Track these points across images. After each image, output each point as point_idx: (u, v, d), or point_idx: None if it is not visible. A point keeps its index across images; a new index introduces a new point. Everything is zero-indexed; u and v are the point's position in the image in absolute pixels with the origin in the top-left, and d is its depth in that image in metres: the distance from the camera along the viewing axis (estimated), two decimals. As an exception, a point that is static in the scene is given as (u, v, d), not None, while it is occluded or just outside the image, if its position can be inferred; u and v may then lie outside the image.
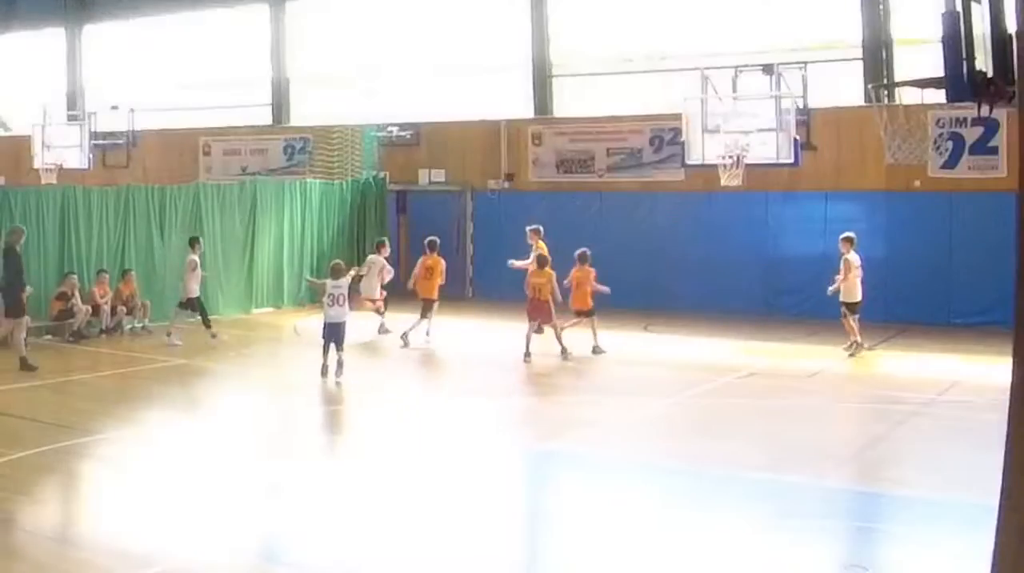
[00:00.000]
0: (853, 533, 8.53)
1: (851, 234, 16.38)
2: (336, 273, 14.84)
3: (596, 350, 16.24)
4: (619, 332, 18.08)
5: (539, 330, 16.37)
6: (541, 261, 16.42)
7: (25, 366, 14.38)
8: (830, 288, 16.31)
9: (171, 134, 27.51)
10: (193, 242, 17.94)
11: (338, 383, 14.15)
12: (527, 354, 15.70)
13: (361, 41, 25.28)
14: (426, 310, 17.41)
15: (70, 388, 13.95)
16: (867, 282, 19.20)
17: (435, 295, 17.58)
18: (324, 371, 14.31)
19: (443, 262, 17.95)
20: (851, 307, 16.31)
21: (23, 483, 9.36)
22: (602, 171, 22.25)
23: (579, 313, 16.48)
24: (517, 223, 19.87)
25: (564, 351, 15.88)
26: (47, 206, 17.92)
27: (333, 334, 14.43)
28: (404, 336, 17.03)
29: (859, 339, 16.24)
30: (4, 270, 15.09)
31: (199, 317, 17.43)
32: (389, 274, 18.10)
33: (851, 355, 16.12)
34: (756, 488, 9.39)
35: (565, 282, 16.39)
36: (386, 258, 18.20)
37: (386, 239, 19.38)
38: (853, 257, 16.28)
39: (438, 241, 18.14)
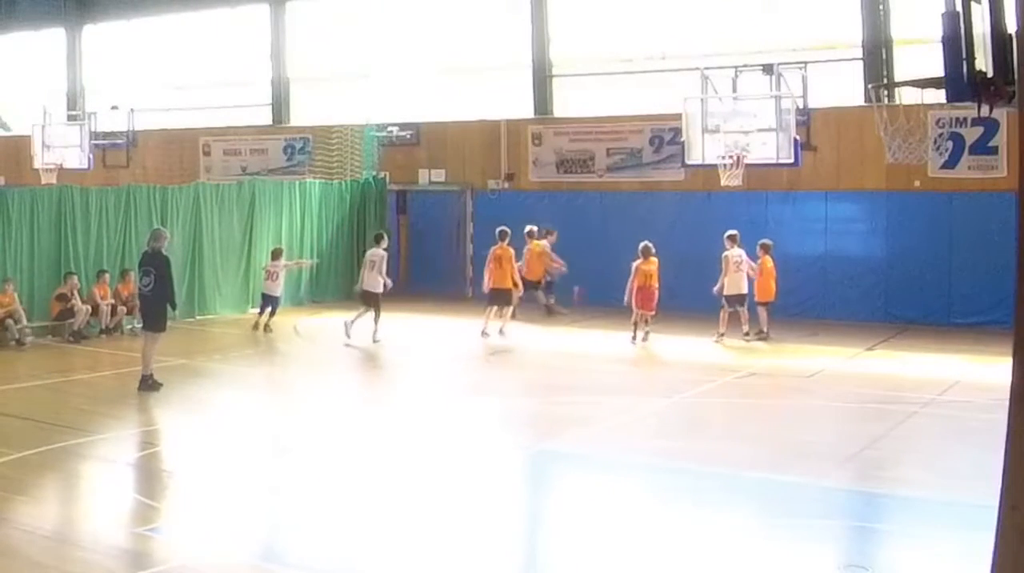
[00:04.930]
0: (853, 533, 8.52)
1: (733, 231, 17.53)
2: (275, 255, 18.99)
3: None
4: (619, 332, 18.08)
5: (645, 320, 17.38)
6: (647, 250, 17.28)
7: (147, 384, 13.18)
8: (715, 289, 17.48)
9: (171, 134, 27.51)
10: (379, 238, 17.84)
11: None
12: (634, 338, 17.22)
13: (361, 41, 25.26)
14: (499, 300, 17.94)
15: (70, 388, 13.95)
16: (867, 282, 19.35)
17: (509, 285, 18.01)
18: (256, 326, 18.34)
19: (511, 250, 18.46)
20: (731, 300, 17.35)
21: (23, 483, 9.36)
22: (602, 171, 22.25)
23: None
24: (517, 223, 19.86)
25: (635, 338, 17.25)
26: (43, 206, 17.90)
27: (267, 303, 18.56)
28: (496, 332, 17.84)
29: (723, 329, 17.31)
30: (153, 279, 13.23)
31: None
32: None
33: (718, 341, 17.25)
34: (756, 488, 9.39)
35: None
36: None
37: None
38: (734, 253, 17.39)
39: (509, 231, 18.54)
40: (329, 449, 10.99)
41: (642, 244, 17.52)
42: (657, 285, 17.31)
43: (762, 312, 17.67)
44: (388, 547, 7.99)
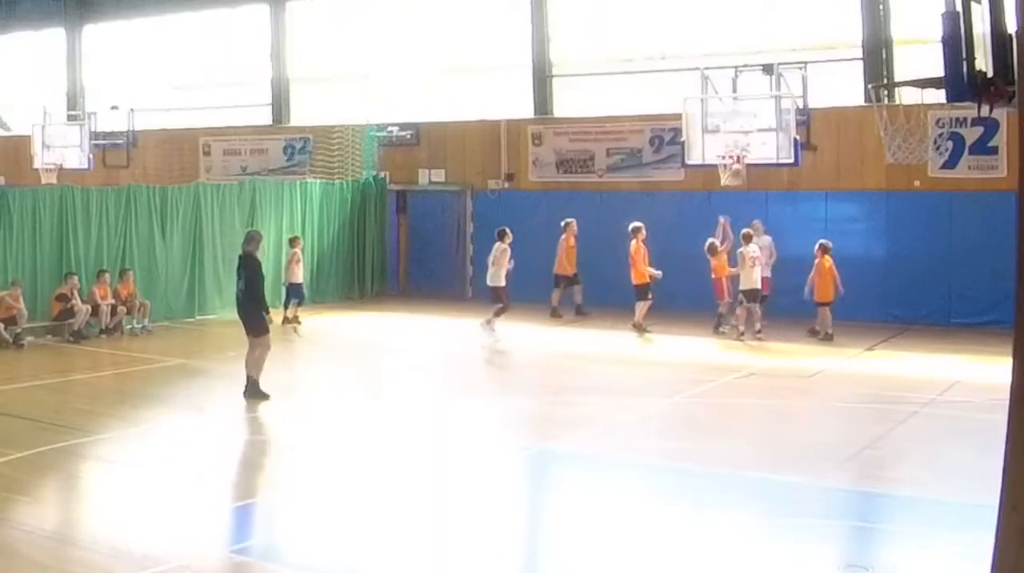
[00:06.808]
0: (853, 533, 8.52)
1: (749, 230, 17.79)
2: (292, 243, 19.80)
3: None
4: (620, 332, 18.10)
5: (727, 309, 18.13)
6: (712, 248, 17.96)
7: (255, 392, 12.82)
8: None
9: (171, 134, 27.50)
10: (502, 234, 18.15)
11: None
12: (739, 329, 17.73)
13: (361, 41, 25.26)
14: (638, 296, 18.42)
15: (70, 388, 13.95)
16: (867, 282, 19.32)
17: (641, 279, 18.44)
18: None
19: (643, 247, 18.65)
20: (747, 295, 17.50)
21: (23, 483, 9.36)
22: (602, 171, 22.24)
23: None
24: (517, 223, 19.86)
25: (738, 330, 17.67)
26: (44, 206, 17.91)
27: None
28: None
29: (742, 327, 17.58)
30: (244, 282, 13.00)
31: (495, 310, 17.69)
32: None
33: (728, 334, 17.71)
34: (756, 488, 9.39)
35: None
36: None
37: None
38: (750, 249, 17.53)
39: (640, 226, 18.65)
40: (330, 448, 10.99)
41: (708, 242, 18.12)
42: (719, 277, 18.02)
43: (824, 313, 17.58)
44: (389, 547, 7.99)
